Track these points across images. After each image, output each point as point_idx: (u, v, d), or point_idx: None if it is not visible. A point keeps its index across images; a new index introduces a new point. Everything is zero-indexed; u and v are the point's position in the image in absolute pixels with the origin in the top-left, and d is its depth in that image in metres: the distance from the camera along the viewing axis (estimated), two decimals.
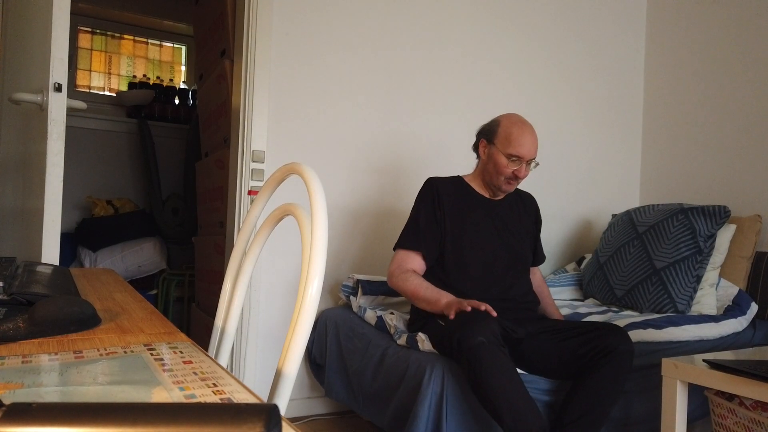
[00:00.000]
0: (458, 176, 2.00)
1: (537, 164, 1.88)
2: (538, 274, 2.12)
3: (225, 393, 0.53)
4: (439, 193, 1.90)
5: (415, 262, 1.86)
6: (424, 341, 1.72)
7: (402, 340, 1.84)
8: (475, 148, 1.96)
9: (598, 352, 1.62)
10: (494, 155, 1.86)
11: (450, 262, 1.86)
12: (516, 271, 1.92)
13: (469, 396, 1.61)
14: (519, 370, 1.66)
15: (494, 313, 1.58)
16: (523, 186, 2.18)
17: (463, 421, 1.61)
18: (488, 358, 1.47)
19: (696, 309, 2.33)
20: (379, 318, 2.03)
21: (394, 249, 1.93)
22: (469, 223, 1.89)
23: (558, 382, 1.74)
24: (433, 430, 1.58)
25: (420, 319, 1.84)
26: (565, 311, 2.34)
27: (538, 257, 2.09)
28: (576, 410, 1.59)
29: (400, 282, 1.83)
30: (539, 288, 2.06)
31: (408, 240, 1.89)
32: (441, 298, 1.71)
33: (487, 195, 1.96)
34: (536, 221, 2.08)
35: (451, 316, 1.59)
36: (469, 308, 1.58)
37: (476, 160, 1.98)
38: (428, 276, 1.86)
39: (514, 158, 1.82)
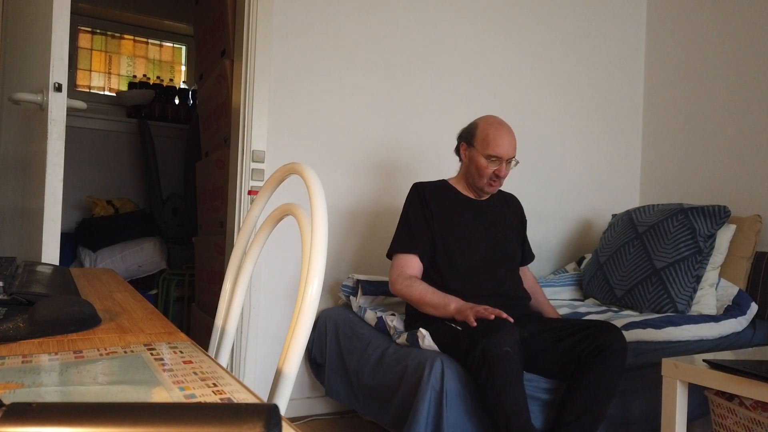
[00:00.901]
0: (443, 180, 2.05)
1: (517, 162, 1.93)
2: (530, 274, 2.15)
3: (225, 393, 0.53)
4: (425, 197, 1.94)
5: (413, 265, 1.88)
6: (425, 337, 1.73)
7: (402, 339, 1.84)
8: (457, 151, 2.01)
9: (593, 350, 1.63)
10: (474, 157, 1.91)
11: (441, 262, 1.89)
12: (506, 269, 1.96)
13: (468, 391, 1.62)
14: None
15: (512, 320, 1.60)
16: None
17: (463, 416, 1.62)
18: (511, 369, 1.50)
19: (696, 309, 2.33)
20: (380, 319, 2.03)
21: (389, 255, 1.95)
22: (457, 224, 1.93)
23: (556, 381, 1.75)
24: (433, 425, 1.59)
25: (419, 319, 1.84)
26: (564, 311, 2.34)
27: (527, 256, 2.13)
28: (574, 410, 1.60)
29: (404, 289, 1.84)
30: (532, 288, 2.08)
31: (402, 244, 1.91)
32: (449, 303, 1.73)
33: (472, 196, 2.00)
34: (521, 221, 2.13)
35: (473, 324, 1.60)
36: (492, 317, 1.59)
37: (460, 163, 2.03)
38: (422, 277, 1.89)
39: (493, 158, 1.87)
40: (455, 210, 1.95)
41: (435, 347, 1.71)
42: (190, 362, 0.62)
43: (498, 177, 1.90)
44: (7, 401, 0.33)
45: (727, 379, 1.42)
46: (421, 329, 1.75)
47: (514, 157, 1.91)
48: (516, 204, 2.13)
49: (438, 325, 1.75)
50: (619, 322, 2.11)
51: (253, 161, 2.28)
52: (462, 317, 1.66)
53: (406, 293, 1.83)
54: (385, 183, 2.57)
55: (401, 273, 1.87)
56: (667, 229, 2.45)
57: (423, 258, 1.89)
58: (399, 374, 1.75)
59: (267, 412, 0.33)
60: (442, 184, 2.03)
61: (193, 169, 3.30)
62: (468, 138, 1.95)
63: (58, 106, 1.58)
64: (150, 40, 4.32)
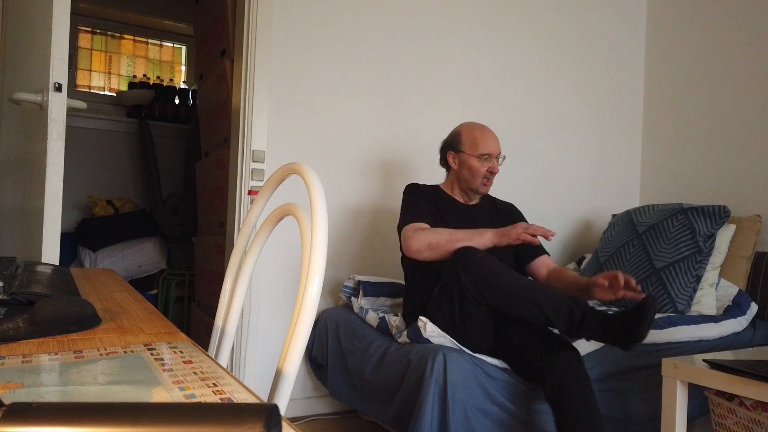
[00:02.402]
0: (435, 185, 2.11)
1: (504, 157, 2.04)
2: (550, 262, 2.08)
3: (225, 393, 0.53)
4: (422, 194, 2.01)
5: (426, 226, 1.89)
6: (426, 324, 1.72)
7: (403, 338, 1.84)
8: (443, 162, 2.08)
9: (537, 376, 1.64)
10: (466, 161, 1.98)
11: (433, 263, 1.87)
12: None
13: (474, 384, 1.62)
14: (493, 360, 1.72)
15: (554, 233, 1.73)
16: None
17: (469, 409, 1.61)
18: (495, 263, 1.65)
19: (696, 309, 2.33)
20: (382, 320, 2.03)
21: (399, 229, 1.93)
22: (449, 224, 1.94)
23: (520, 391, 1.72)
24: (439, 420, 1.58)
25: (416, 310, 1.86)
26: None
27: (539, 249, 2.05)
28: None
29: (428, 235, 1.80)
30: (556, 270, 2.04)
31: (413, 216, 1.92)
32: (485, 232, 1.79)
33: (461, 201, 2.07)
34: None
35: (524, 237, 1.71)
36: (539, 231, 1.72)
37: (446, 173, 2.10)
38: (414, 279, 1.94)
39: (485, 156, 1.96)
40: (446, 211, 2.02)
41: (437, 331, 1.70)
42: (190, 362, 0.62)
43: (492, 174, 1.97)
44: (7, 401, 0.33)
45: (727, 379, 1.42)
46: (420, 318, 1.75)
47: (500, 152, 2.00)
48: (509, 211, 2.13)
49: (433, 307, 1.76)
50: None
51: (253, 161, 2.28)
52: (508, 239, 1.73)
53: (430, 239, 1.78)
54: (386, 183, 2.57)
55: (416, 229, 1.85)
56: (667, 229, 2.45)
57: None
58: (401, 371, 1.75)
59: (267, 412, 0.33)
60: (435, 188, 2.09)
61: (193, 169, 3.30)
62: (454, 145, 2.03)
63: (58, 106, 1.58)
64: (150, 40, 4.32)
